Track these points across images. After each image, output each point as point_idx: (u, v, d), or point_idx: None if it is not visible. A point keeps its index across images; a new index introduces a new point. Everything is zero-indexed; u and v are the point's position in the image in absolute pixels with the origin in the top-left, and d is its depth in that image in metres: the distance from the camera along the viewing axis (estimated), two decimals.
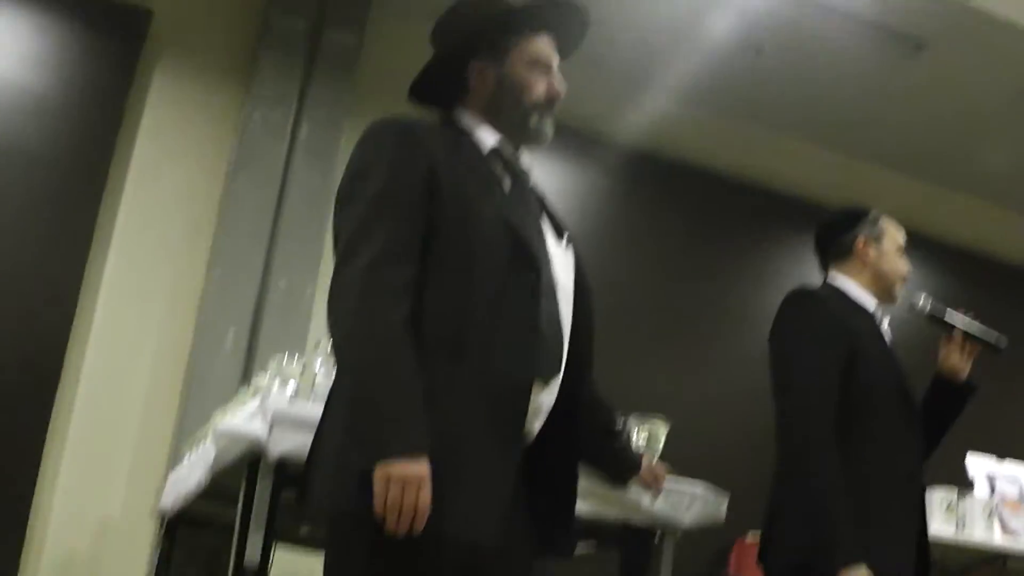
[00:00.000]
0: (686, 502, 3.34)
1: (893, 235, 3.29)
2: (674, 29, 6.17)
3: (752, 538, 5.64)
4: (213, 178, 5.69)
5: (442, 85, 2.44)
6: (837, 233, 3.30)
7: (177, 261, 5.56)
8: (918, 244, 3.80)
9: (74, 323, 5.55)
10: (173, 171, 5.67)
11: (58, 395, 5.46)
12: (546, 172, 2.59)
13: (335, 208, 2.26)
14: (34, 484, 5.32)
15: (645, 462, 3.08)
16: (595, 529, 3.37)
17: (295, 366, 3.50)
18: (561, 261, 2.35)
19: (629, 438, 3.31)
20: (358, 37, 6.06)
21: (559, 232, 2.40)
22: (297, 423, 2.87)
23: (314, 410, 2.75)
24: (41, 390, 5.43)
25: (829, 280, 3.28)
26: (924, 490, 3.14)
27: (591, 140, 6.48)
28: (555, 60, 2.45)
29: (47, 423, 5.41)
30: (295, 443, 2.84)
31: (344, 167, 2.30)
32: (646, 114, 6.56)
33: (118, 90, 5.90)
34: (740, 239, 7.02)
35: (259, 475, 2.97)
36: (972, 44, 6.13)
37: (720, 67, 6.38)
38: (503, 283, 2.19)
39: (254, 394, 3.48)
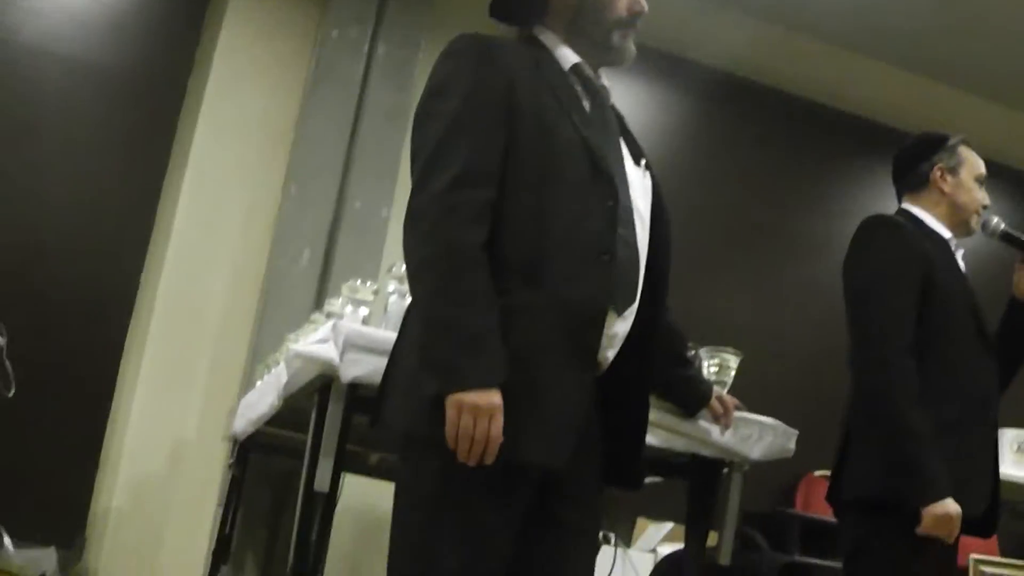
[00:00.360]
0: (755, 435, 3.30)
1: (972, 164, 3.22)
2: None
3: (820, 474, 5.62)
4: (290, 96, 5.67)
5: (522, 2, 2.40)
6: (914, 161, 3.23)
7: (253, 179, 5.56)
8: (1000, 174, 3.71)
9: (151, 241, 5.61)
10: (250, 88, 5.66)
11: (134, 315, 5.54)
12: (621, 92, 2.54)
13: (413, 126, 2.24)
14: (109, 406, 5.42)
15: (715, 393, 3.08)
16: (663, 460, 3.35)
17: (368, 290, 3.51)
18: (639, 186, 2.32)
19: (700, 368, 3.28)
20: None
21: (637, 156, 2.37)
22: (370, 346, 2.86)
23: (387, 334, 2.77)
24: (117, 310, 5.50)
25: (904, 208, 3.22)
26: (997, 424, 3.10)
27: (668, 60, 6.36)
28: None
29: (123, 344, 5.50)
30: (368, 367, 2.84)
31: (422, 86, 2.28)
32: (724, 33, 6.40)
33: (197, 5, 5.91)
34: (817, 164, 6.87)
35: (331, 399, 2.98)
36: None
37: None
38: (580, 207, 2.17)
39: (327, 318, 3.49)
